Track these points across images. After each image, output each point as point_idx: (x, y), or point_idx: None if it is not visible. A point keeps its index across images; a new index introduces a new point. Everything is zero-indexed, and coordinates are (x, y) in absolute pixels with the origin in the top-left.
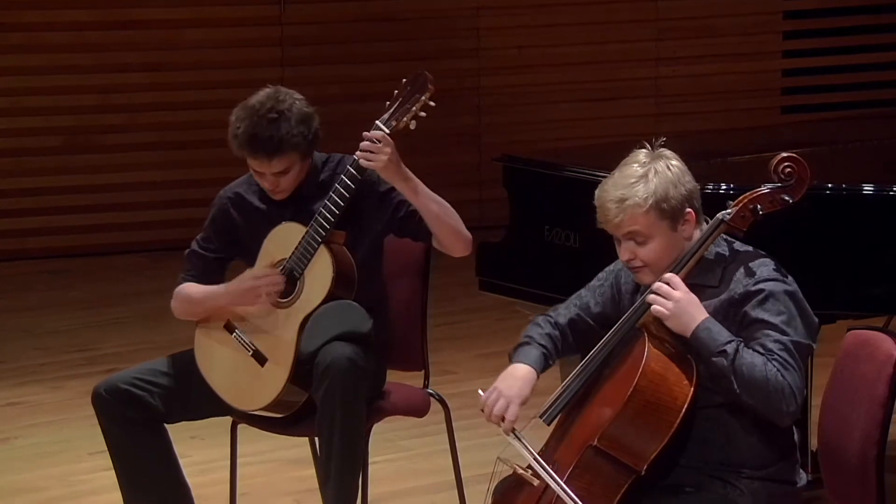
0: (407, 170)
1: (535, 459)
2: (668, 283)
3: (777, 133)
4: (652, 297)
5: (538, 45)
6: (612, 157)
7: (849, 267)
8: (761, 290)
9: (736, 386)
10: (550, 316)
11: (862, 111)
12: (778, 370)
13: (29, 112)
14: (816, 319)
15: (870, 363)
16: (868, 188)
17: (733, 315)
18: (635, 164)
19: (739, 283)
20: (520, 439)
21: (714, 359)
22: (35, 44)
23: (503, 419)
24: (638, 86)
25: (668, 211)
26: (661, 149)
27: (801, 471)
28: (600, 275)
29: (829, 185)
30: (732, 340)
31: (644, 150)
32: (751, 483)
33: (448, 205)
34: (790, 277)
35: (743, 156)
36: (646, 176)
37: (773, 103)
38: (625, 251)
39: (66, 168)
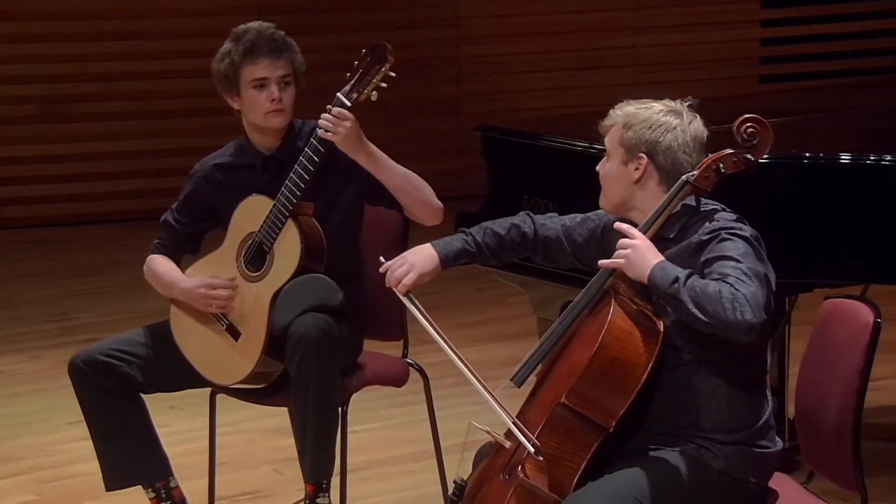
0: (369, 143)
1: (432, 326)
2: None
3: (755, 102)
4: (617, 252)
5: (517, 14)
6: (591, 127)
7: (826, 236)
8: (717, 235)
9: (691, 306)
10: (532, 222)
11: (840, 80)
12: (732, 286)
13: (5, 80)
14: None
15: (847, 331)
16: (845, 157)
17: (693, 265)
18: (657, 101)
19: (698, 234)
20: (413, 302)
21: (669, 290)
22: (11, 12)
23: (400, 282)
24: (617, 55)
25: (623, 140)
26: (690, 110)
27: (776, 437)
28: (600, 211)
29: (807, 155)
30: (685, 272)
31: (679, 101)
32: (724, 448)
33: (415, 175)
34: (750, 228)
35: (720, 125)
36: (644, 104)
37: (751, 72)
38: (602, 161)
39: (43, 137)
